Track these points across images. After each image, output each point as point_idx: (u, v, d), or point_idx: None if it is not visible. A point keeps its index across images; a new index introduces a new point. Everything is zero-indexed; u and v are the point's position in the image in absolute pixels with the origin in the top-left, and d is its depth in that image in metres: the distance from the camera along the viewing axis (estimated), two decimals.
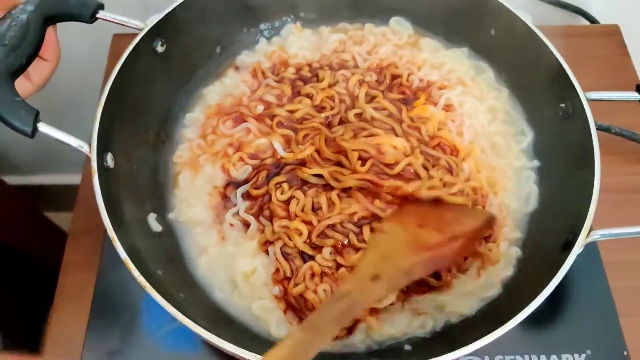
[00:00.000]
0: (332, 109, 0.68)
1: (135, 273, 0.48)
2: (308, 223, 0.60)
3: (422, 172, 0.62)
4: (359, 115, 0.68)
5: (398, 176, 0.61)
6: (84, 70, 0.93)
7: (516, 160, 0.67)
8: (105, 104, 0.57)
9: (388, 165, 0.62)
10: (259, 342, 0.56)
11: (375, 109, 0.68)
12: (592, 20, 0.96)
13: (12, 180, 1.21)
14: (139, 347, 0.62)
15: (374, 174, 0.61)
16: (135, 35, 0.63)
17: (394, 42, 0.76)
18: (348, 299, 0.44)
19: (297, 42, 0.76)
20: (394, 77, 0.72)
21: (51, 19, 0.58)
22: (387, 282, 0.46)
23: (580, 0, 0.96)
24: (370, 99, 0.69)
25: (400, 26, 0.77)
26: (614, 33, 0.92)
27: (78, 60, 0.91)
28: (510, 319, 0.47)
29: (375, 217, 0.60)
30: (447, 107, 0.69)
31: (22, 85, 0.56)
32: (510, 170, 0.67)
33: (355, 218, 0.60)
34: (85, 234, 0.72)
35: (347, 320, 0.44)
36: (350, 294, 0.45)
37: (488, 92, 0.72)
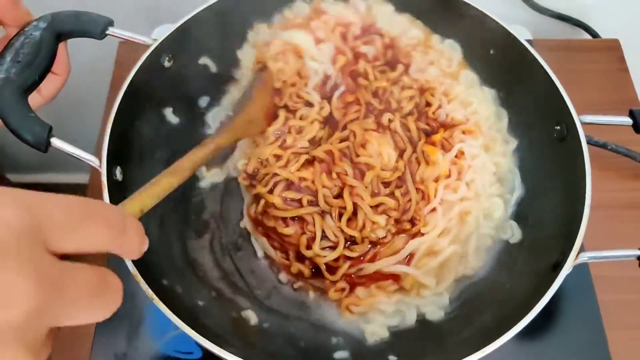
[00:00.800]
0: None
1: (144, 286, 0.50)
2: (278, 157, 0.64)
3: (371, 185, 0.62)
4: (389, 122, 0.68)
5: (358, 169, 0.63)
6: (90, 75, 0.95)
7: (501, 227, 0.67)
8: (115, 119, 0.59)
9: (357, 155, 0.64)
10: None
11: (402, 125, 0.67)
12: (593, 34, 0.97)
13: (17, 178, 1.23)
14: (146, 352, 0.64)
15: (342, 154, 0.64)
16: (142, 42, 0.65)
17: (443, 67, 0.73)
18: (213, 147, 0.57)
19: None
20: (427, 104, 0.70)
21: (63, 36, 0.59)
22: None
23: (582, 14, 0.97)
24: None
25: (453, 51, 0.75)
26: (614, 48, 0.93)
27: (84, 65, 0.93)
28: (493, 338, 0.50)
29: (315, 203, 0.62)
30: (459, 154, 0.67)
31: (32, 98, 0.58)
32: (491, 232, 0.66)
33: (302, 184, 0.63)
34: None
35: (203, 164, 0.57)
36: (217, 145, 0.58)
37: (500, 144, 0.70)
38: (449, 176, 0.65)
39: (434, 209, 0.64)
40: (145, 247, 0.36)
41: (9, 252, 0.26)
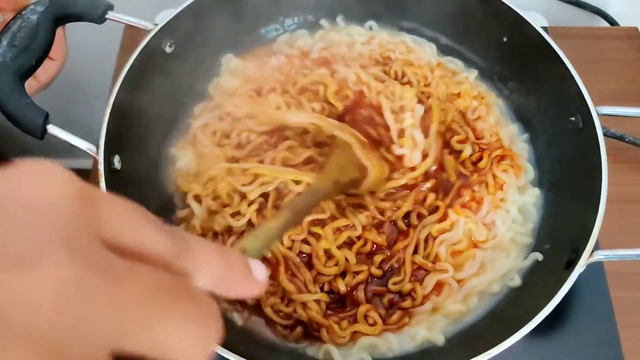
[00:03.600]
0: None
1: None
2: None
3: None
4: None
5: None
6: (97, 59, 0.93)
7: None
8: (113, 106, 0.57)
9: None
10: None
11: None
12: (611, 21, 0.94)
13: None
14: None
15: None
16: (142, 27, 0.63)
17: None
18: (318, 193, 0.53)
19: None
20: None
21: (61, 20, 0.58)
22: (339, 187, 0.56)
23: (600, 0, 0.93)
24: None
25: None
26: (632, 36, 0.89)
27: (89, 49, 0.91)
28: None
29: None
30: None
31: (28, 83, 0.57)
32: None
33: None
34: None
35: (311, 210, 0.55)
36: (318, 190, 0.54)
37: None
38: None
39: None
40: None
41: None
